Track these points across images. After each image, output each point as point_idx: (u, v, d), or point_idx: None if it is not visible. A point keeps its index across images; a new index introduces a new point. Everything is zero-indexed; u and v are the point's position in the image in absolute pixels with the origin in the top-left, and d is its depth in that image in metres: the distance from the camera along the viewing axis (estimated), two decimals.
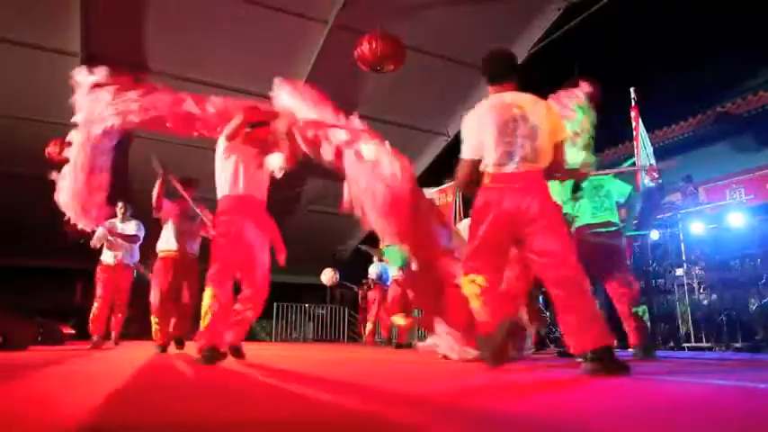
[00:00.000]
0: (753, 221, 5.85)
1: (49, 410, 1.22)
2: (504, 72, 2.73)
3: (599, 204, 3.92)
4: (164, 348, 4.65)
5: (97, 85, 3.35)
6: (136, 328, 13.41)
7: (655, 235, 6.27)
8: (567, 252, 2.37)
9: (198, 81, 7.76)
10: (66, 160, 3.66)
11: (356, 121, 3.38)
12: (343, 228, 11.20)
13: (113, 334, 6.11)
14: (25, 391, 1.66)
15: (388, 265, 6.48)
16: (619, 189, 4.11)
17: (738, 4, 9.32)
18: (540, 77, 8.51)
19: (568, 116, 3.96)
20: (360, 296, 9.33)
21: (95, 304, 5.82)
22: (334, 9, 6.64)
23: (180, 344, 5.03)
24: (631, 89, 5.94)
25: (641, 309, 3.74)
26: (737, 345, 5.23)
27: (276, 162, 3.43)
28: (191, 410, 1.21)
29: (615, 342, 2.58)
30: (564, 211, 3.54)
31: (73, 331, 7.06)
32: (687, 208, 6.76)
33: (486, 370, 2.32)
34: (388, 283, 9.07)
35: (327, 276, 9.02)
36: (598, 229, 3.83)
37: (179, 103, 3.33)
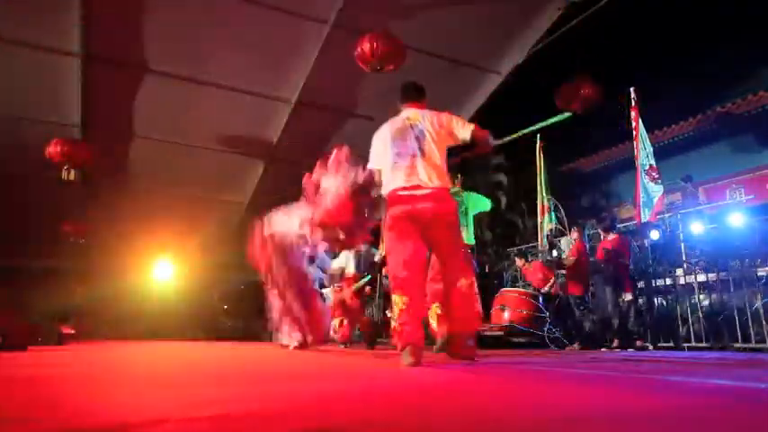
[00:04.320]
0: (753, 221, 5.85)
1: (51, 411, 1.22)
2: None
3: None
4: None
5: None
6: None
7: (655, 235, 6.27)
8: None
9: (198, 81, 7.76)
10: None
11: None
12: None
13: None
14: (26, 391, 1.67)
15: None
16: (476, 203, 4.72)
17: (738, 5, 9.32)
18: (541, 77, 8.54)
19: None
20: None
21: None
22: (334, 9, 6.63)
23: None
24: (631, 89, 5.95)
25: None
26: (737, 345, 5.23)
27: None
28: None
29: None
30: None
31: (73, 331, 7.07)
32: (687, 208, 6.77)
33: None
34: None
35: None
36: None
37: None
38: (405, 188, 2.92)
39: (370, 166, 3.18)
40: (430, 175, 2.93)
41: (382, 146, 3.10)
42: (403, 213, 2.91)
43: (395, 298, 2.84)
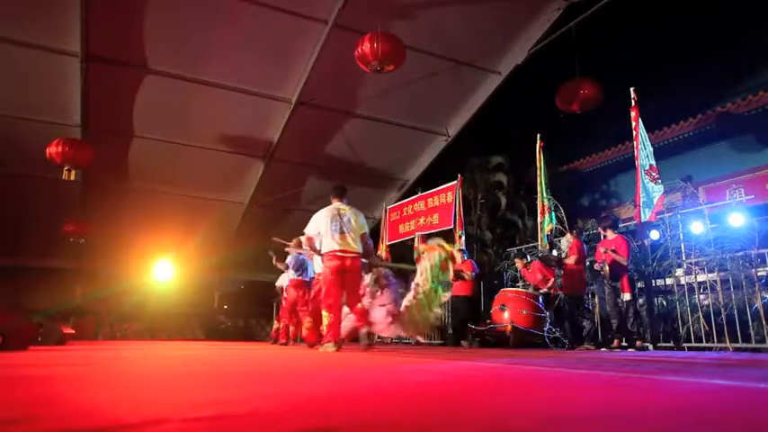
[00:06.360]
0: (753, 221, 5.85)
1: (51, 410, 1.22)
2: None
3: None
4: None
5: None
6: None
7: (655, 235, 6.27)
8: None
9: (198, 81, 7.76)
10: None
11: None
12: None
13: None
14: (26, 390, 1.67)
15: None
16: None
17: (738, 5, 9.32)
18: (541, 77, 8.55)
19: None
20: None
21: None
22: (334, 9, 6.64)
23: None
24: (631, 89, 5.94)
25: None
26: (737, 345, 5.23)
27: None
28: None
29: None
30: None
31: (73, 331, 7.05)
32: (687, 208, 6.76)
33: None
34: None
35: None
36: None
37: None
38: (340, 251, 4.66)
39: (309, 232, 4.87)
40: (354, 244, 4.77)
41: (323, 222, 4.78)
42: (336, 266, 4.65)
43: (327, 314, 4.62)
